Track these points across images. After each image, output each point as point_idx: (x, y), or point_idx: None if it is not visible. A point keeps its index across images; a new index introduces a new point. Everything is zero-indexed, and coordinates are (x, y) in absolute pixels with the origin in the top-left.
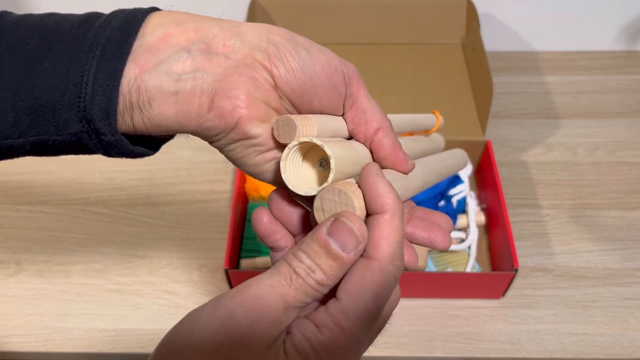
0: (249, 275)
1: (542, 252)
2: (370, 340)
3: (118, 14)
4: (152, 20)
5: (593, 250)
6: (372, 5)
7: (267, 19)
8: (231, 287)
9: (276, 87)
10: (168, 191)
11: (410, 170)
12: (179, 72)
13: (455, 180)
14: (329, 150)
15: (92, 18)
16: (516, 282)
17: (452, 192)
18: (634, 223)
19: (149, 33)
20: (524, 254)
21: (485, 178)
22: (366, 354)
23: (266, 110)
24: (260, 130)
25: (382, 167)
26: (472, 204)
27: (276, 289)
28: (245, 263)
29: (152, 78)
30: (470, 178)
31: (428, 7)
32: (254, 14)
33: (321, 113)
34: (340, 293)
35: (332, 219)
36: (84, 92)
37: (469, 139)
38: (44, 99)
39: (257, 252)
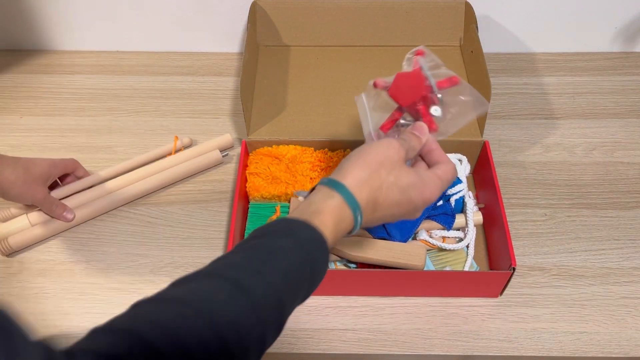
0: None
1: (539, 251)
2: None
3: None
4: None
5: (590, 250)
6: (371, 7)
7: (267, 19)
8: None
9: None
10: (170, 191)
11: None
12: None
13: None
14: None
15: None
16: (514, 281)
17: (450, 191)
18: (631, 223)
19: None
20: (522, 253)
21: (483, 178)
22: (367, 352)
23: None
24: None
25: None
26: (470, 204)
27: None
28: None
29: None
30: (468, 178)
31: (427, 9)
32: (255, 15)
33: None
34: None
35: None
36: None
37: (467, 139)
38: None
39: None
